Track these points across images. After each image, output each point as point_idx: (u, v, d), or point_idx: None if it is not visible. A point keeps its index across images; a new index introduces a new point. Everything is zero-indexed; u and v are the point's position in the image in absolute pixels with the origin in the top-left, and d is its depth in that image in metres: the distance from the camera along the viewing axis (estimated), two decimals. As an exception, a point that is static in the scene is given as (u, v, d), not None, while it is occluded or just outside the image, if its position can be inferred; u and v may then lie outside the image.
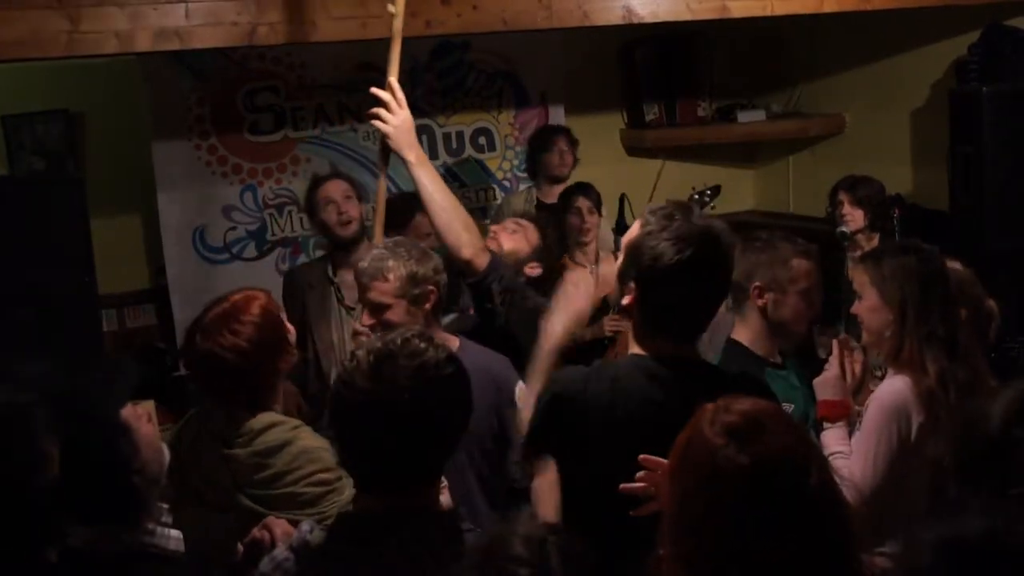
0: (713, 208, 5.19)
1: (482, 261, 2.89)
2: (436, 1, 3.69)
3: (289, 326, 2.73)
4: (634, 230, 2.29)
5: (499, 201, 5.55)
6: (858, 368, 2.91)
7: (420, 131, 5.44)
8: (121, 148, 5.16)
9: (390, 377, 1.86)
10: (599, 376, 2.26)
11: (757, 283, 2.96)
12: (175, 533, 2.08)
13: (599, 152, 5.73)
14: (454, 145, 5.59)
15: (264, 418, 2.60)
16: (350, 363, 1.91)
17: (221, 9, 3.45)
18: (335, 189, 4.19)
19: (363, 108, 5.29)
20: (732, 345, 3.01)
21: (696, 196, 5.18)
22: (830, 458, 2.55)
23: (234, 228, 5.16)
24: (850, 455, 2.65)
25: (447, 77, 5.54)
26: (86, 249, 3.75)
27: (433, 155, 5.55)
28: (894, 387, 2.67)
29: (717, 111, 6.25)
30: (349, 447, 1.94)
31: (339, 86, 5.26)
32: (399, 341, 1.91)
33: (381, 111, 3.06)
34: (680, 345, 2.28)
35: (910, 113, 5.51)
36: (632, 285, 2.25)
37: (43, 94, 5.05)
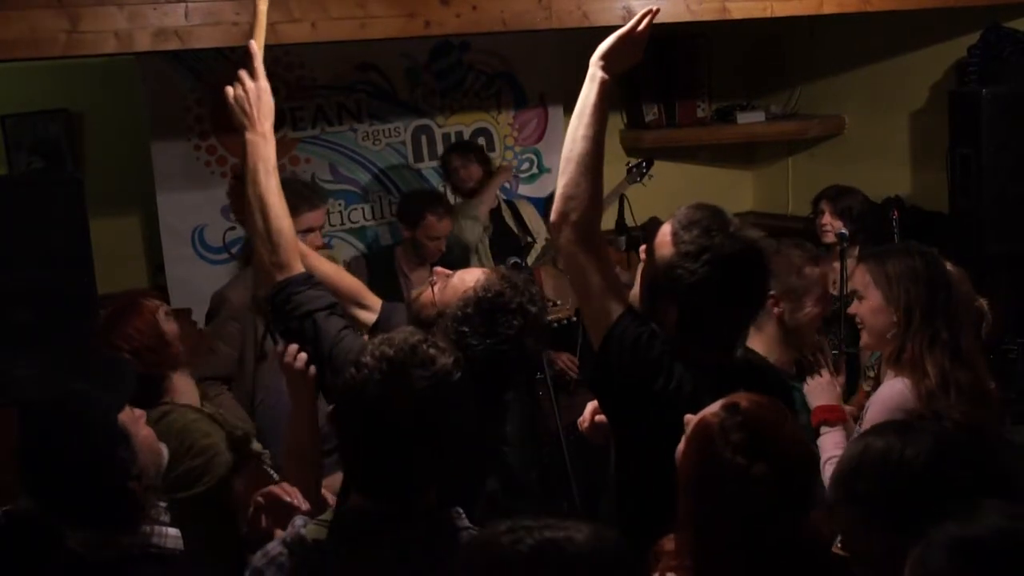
0: (651, 177, 5.14)
1: (281, 274, 2.42)
2: (435, 2, 3.67)
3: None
4: (666, 245, 2.22)
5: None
6: (841, 378, 2.92)
7: (420, 131, 5.54)
8: (121, 148, 5.15)
9: (403, 386, 1.84)
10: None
11: (772, 292, 2.93)
12: (173, 531, 2.08)
13: (598, 153, 5.70)
14: (454, 146, 5.58)
15: (155, 412, 2.72)
16: (358, 372, 1.88)
17: (220, 9, 3.44)
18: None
19: (362, 109, 5.39)
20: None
21: (633, 168, 5.13)
22: (830, 462, 2.56)
23: (233, 228, 5.16)
24: None
25: (446, 78, 5.54)
26: (85, 249, 3.73)
27: (433, 155, 5.56)
28: (895, 389, 2.67)
29: (716, 112, 6.24)
30: (353, 452, 1.94)
31: (338, 86, 5.27)
32: (407, 348, 1.89)
33: (242, 73, 2.80)
34: (723, 354, 2.28)
35: (909, 114, 5.50)
36: (668, 302, 2.21)
37: (43, 94, 5.04)
